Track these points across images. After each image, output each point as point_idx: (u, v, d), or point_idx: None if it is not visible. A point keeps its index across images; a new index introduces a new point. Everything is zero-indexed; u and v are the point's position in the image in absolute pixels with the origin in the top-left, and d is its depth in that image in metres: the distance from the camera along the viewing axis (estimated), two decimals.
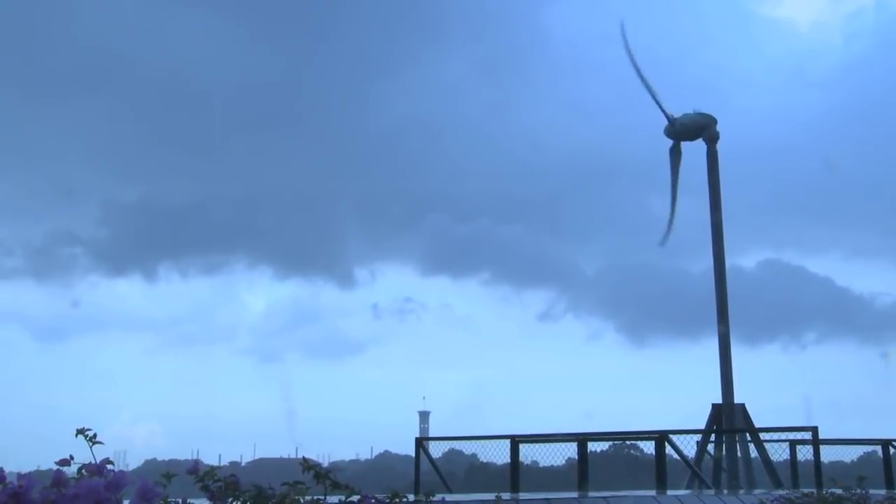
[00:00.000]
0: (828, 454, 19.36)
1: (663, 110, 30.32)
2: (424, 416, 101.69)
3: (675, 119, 30.22)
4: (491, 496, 9.89)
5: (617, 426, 26.66)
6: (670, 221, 30.32)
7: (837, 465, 20.87)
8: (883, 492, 12.57)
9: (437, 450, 21.78)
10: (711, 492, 17.60)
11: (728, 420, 25.84)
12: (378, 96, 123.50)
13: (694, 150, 30.31)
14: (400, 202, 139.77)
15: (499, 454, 20.20)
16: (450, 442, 23.91)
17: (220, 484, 3.62)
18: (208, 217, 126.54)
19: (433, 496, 4.14)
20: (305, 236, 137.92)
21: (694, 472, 20.71)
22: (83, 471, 3.07)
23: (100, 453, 3.18)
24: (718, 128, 29.67)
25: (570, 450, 18.46)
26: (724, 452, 24.83)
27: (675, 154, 30.22)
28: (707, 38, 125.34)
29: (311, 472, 3.85)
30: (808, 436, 19.24)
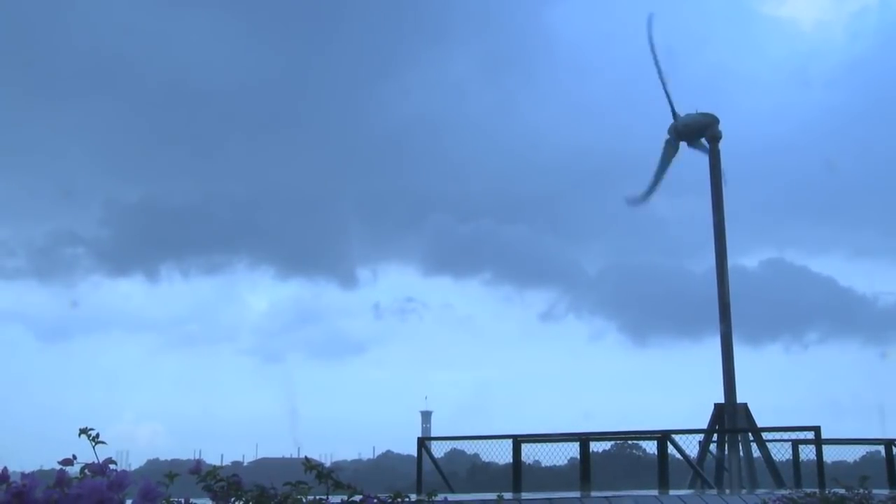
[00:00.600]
0: (830, 454, 19.36)
1: (672, 106, 30.42)
2: (426, 415, 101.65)
3: (678, 120, 30.27)
4: (493, 496, 9.91)
5: (619, 426, 26.68)
6: (651, 188, 30.60)
7: (840, 465, 20.85)
8: (886, 492, 12.56)
9: (439, 450, 21.79)
10: (714, 492, 17.60)
11: (730, 420, 25.83)
12: (380, 96, 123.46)
13: (695, 151, 30.34)
14: (402, 202, 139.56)
15: (501, 454, 20.22)
16: (452, 442, 23.92)
17: (222, 484, 3.63)
18: (210, 217, 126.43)
19: (435, 496, 4.14)
20: (307, 236, 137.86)
21: (696, 471, 20.71)
22: (86, 470, 3.08)
23: (102, 453, 3.19)
24: (721, 127, 29.70)
25: (573, 449, 18.47)
26: (726, 452, 24.81)
27: (670, 148, 30.31)
28: (709, 37, 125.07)
29: (314, 472, 3.86)
30: (810, 435, 19.22)
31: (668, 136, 30.33)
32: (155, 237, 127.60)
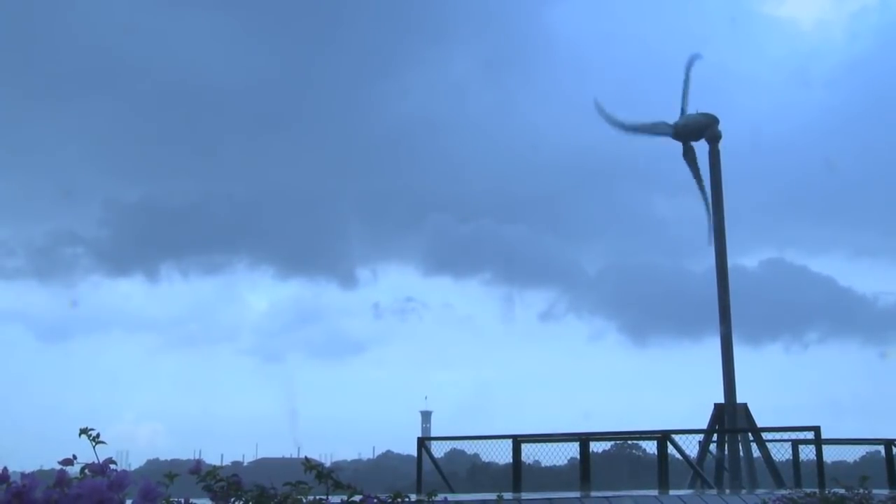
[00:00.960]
0: (830, 454, 19.36)
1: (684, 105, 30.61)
2: (426, 415, 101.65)
3: (677, 121, 30.37)
4: (493, 496, 9.90)
5: (619, 426, 26.70)
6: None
7: (840, 465, 20.86)
8: (886, 492, 12.57)
9: (439, 450, 21.79)
10: (714, 492, 17.60)
11: (730, 420, 25.84)
12: (380, 96, 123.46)
13: (696, 150, 30.39)
14: (402, 202, 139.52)
15: (501, 454, 20.22)
16: (452, 442, 23.92)
17: (222, 484, 3.63)
18: (210, 217, 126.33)
19: (435, 496, 4.14)
20: (307, 236, 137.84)
21: (696, 471, 20.71)
22: (86, 470, 3.08)
23: (102, 453, 3.19)
24: (720, 127, 29.74)
25: (573, 449, 18.47)
26: (726, 452, 24.82)
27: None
28: (709, 37, 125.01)
29: (314, 472, 3.86)
30: (810, 435, 19.23)
31: (684, 147, 30.34)
32: (155, 237, 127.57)
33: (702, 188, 30.15)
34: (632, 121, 31.59)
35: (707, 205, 29.96)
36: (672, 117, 30.73)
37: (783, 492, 10.74)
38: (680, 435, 19.08)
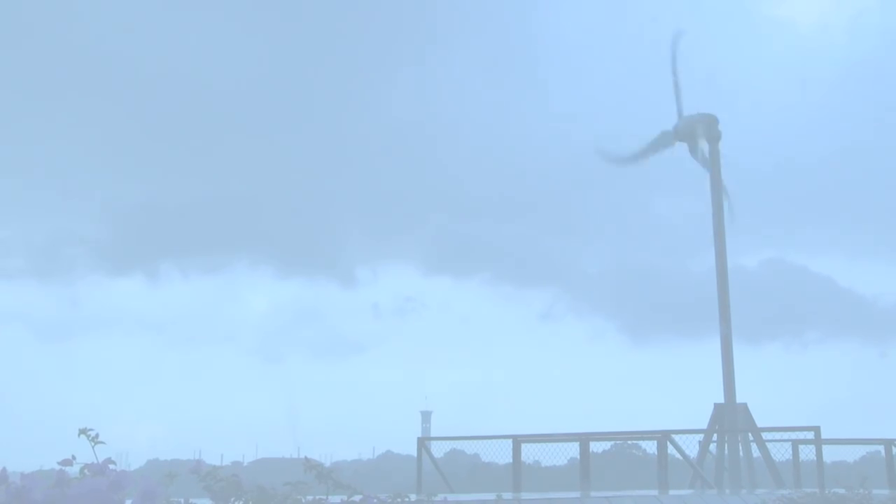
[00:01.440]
0: (830, 454, 19.37)
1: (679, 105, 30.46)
2: (426, 415, 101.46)
3: (676, 124, 30.36)
4: (493, 496, 9.91)
5: (619, 426, 26.70)
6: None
7: (840, 465, 20.87)
8: (886, 491, 12.57)
9: (439, 450, 21.78)
10: (714, 491, 17.60)
11: (730, 420, 25.83)
12: (380, 95, 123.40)
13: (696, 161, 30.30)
14: (402, 202, 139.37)
15: (501, 454, 20.21)
16: (452, 442, 23.91)
17: (222, 484, 3.63)
18: (209, 216, 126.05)
19: (435, 496, 4.14)
20: (307, 235, 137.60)
21: (696, 471, 20.71)
22: (85, 471, 3.08)
23: (102, 453, 3.18)
24: (720, 127, 29.70)
25: (573, 450, 18.47)
26: (726, 452, 24.81)
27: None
28: (709, 37, 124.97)
29: (314, 472, 3.86)
30: (810, 435, 19.23)
31: (690, 147, 30.25)
32: (154, 237, 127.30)
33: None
34: (632, 150, 31.37)
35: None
36: (671, 119, 30.69)
37: (783, 492, 10.75)
38: (680, 435, 19.08)
